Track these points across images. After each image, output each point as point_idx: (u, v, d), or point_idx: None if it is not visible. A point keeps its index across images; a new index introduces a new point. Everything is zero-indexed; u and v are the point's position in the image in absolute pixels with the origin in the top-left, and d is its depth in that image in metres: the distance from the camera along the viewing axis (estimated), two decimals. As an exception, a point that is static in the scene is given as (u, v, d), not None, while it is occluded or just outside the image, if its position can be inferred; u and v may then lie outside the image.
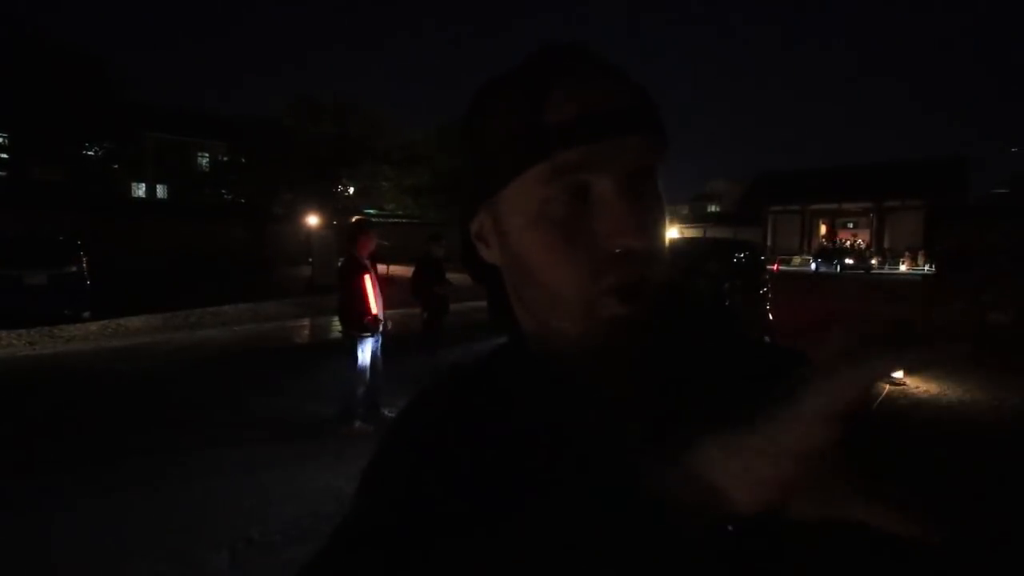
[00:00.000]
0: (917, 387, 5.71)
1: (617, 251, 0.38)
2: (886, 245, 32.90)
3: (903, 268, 27.95)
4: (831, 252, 28.83)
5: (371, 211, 26.70)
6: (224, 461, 3.68)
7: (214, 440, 4.06)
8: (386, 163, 23.42)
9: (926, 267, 26.37)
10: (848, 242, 35.00)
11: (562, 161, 0.38)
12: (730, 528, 0.31)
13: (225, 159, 24.28)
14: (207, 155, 32.25)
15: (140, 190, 32.48)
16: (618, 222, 0.37)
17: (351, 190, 25.56)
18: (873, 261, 26.75)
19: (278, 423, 4.40)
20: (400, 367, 5.75)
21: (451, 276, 5.69)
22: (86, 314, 8.84)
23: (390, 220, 28.22)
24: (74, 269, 8.93)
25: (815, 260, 27.92)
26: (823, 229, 38.91)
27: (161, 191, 33.45)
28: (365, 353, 4.15)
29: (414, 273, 5.37)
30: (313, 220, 18.07)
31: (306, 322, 9.71)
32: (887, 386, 5.72)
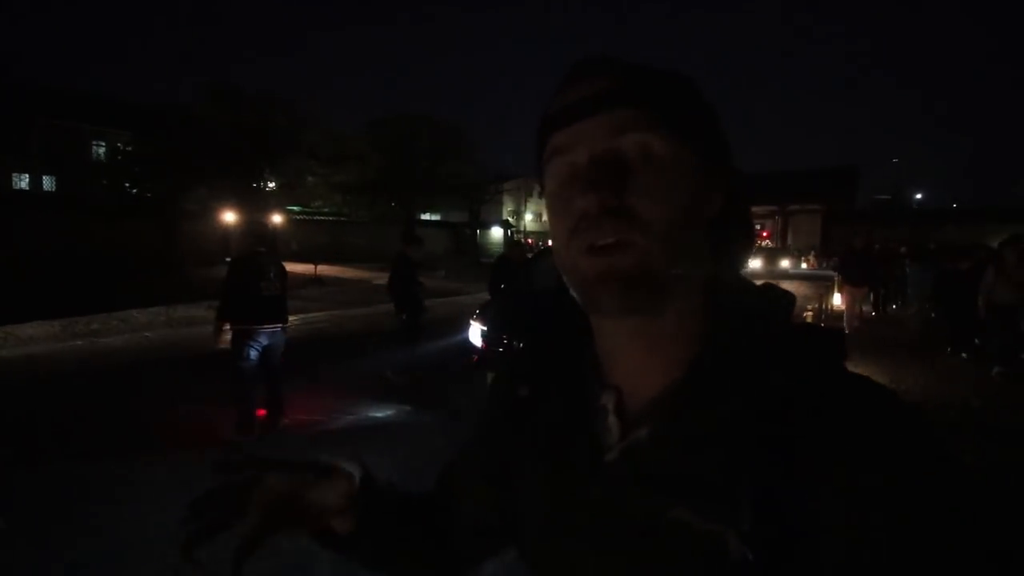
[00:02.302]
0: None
1: (585, 213, 0.41)
2: (790, 245, 35.89)
3: (804, 267, 30.58)
4: (765, 252, 30.88)
5: (295, 208, 25.40)
6: (153, 482, 3.37)
7: (134, 462, 3.71)
8: (313, 158, 22.28)
9: (823, 265, 28.96)
10: (767, 243, 37.84)
11: (552, 144, 0.45)
12: (750, 557, 0.37)
13: (128, 149, 22.01)
14: (104, 144, 29.28)
15: (23, 181, 28.97)
16: (584, 186, 0.42)
17: (272, 185, 24.17)
18: (785, 263, 28.77)
19: (205, 436, 4.09)
20: (386, 363, 5.72)
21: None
22: (-35, 321, 7.79)
23: (316, 218, 26.97)
24: (-52, 271, 7.86)
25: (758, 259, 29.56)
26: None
27: (48, 183, 29.99)
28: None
29: (392, 274, 5.51)
30: (231, 217, 16.90)
31: (226, 326, 9.09)
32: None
